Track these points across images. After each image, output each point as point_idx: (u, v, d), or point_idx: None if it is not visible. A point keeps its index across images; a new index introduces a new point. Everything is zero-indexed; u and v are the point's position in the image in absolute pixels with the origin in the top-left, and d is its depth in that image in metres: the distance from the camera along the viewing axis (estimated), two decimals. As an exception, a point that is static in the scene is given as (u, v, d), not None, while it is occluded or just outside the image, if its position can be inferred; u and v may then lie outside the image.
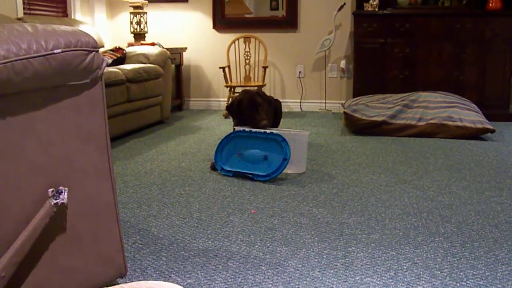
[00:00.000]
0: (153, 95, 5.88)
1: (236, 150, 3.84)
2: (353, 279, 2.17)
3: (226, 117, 6.67)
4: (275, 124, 4.62)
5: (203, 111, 7.29)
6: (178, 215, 2.95)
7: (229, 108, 4.33)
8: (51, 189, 1.75)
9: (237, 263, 2.33)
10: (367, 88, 6.37)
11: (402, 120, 5.35)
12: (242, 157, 3.78)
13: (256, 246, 2.51)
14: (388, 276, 2.20)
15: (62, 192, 1.77)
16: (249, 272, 2.25)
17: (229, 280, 2.17)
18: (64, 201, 1.77)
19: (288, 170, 3.76)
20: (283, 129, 4.31)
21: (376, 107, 5.54)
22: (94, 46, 1.82)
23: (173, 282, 2.15)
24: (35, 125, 1.70)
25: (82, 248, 1.89)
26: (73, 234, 1.85)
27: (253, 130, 3.84)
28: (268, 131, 3.78)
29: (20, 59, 1.58)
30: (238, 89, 6.92)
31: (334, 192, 3.37)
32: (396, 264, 2.31)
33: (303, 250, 2.46)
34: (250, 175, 3.65)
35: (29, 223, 1.73)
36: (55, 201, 1.75)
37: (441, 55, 6.28)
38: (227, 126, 5.93)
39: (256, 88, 4.64)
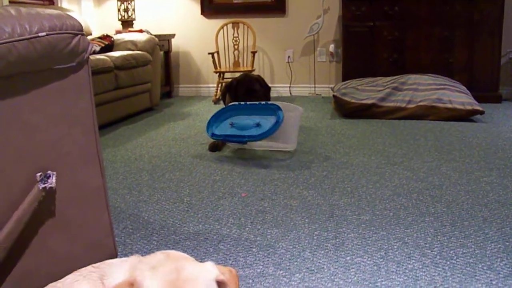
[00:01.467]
0: (141, 82, 5.85)
1: (229, 121, 3.86)
2: (344, 259, 2.18)
3: (215, 102, 6.65)
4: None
5: (192, 98, 7.27)
6: (169, 199, 2.95)
7: (228, 86, 4.39)
8: (39, 174, 1.74)
9: (228, 246, 2.33)
10: (357, 71, 6.37)
11: (392, 103, 5.36)
12: (234, 126, 3.80)
13: (247, 228, 2.51)
14: (379, 256, 2.20)
15: (50, 176, 1.76)
16: (240, 254, 2.25)
17: (220, 262, 2.18)
18: (53, 185, 1.76)
19: (280, 146, 3.77)
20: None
21: (366, 90, 5.54)
22: (79, 29, 1.80)
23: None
24: (21, 111, 1.68)
25: (72, 233, 1.88)
26: (62, 219, 1.84)
27: (248, 102, 3.88)
28: (263, 102, 3.82)
29: (4, 43, 1.56)
30: (227, 75, 6.91)
31: (324, 174, 3.37)
32: (386, 244, 2.31)
33: (294, 231, 2.47)
34: (241, 137, 3.66)
35: (18, 208, 1.72)
36: (43, 185, 1.74)
37: (430, 38, 6.27)
38: (217, 112, 5.92)
39: (257, 75, 4.66)
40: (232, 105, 3.94)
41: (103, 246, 1.98)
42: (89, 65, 1.88)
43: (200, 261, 2.15)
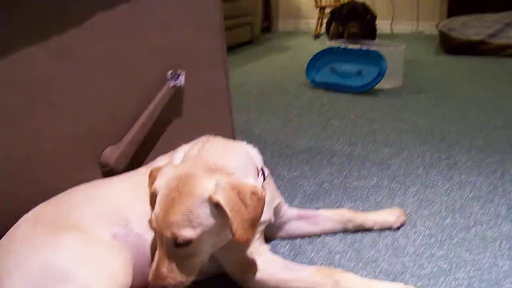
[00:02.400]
0: (243, 14, 5.89)
1: (329, 65, 3.82)
2: (459, 178, 2.18)
3: (316, 37, 6.62)
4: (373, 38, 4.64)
5: (292, 33, 7.25)
6: (278, 119, 3.01)
7: (332, 12, 4.59)
8: (170, 72, 1.83)
9: (341, 160, 2.38)
10: (463, 7, 6.10)
11: (502, 40, 5.12)
12: (335, 72, 3.76)
13: (359, 146, 2.55)
14: (495, 177, 2.18)
15: (180, 74, 1.85)
16: (354, 167, 2.29)
17: (335, 173, 2.23)
18: (182, 83, 1.85)
19: (384, 84, 3.73)
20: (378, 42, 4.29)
21: (474, 26, 5.32)
22: None
23: (278, 175, 2.22)
24: (155, 9, 1.76)
25: (196, 133, 1.97)
26: (188, 118, 1.94)
27: (349, 46, 3.82)
28: (364, 47, 3.74)
29: None
30: (328, 10, 6.81)
31: (432, 103, 3.33)
32: (502, 167, 2.28)
33: (406, 151, 2.47)
34: (342, 87, 3.64)
35: (150, 103, 1.83)
36: (173, 83, 1.83)
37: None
38: (318, 46, 5.88)
39: (362, 1, 4.66)
40: (333, 48, 3.88)
41: (225, 148, 2.06)
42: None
43: (316, 173, 2.22)
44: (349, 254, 1.65)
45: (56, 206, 1.47)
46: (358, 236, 1.74)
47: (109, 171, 1.82)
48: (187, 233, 1.28)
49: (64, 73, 1.69)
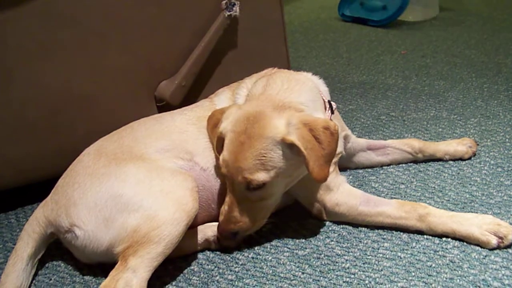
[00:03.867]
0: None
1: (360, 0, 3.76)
2: (520, 109, 2.11)
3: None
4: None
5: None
6: (327, 55, 2.95)
7: None
8: (224, 1, 1.79)
9: (396, 93, 2.33)
10: None
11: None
12: (363, 6, 3.69)
13: (413, 80, 2.48)
14: (558, 107, 2.11)
15: (235, 4, 1.81)
16: (410, 100, 2.24)
17: (391, 106, 2.18)
18: (237, 13, 1.81)
19: (419, 15, 3.60)
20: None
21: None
22: None
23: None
24: None
25: (252, 65, 1.92)
26: (244, 50, 1.91)
27: None
28: None
29: None
30: None
31: (484, 37, 3.20)
32: None
33: (462, 84, 2.40)
34: (368, 21, 3.56)
35: (205, 35, 1.79)
36: (228, 13, 1.80)
37: None
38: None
39: None
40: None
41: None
42: None
43: (371, 106, 2.18)
44: (414, 183, 1.62)
45: (119, 140, 1.46)
46: (422, 166, 1.71)
47: (165, 105, 1.81)
48: (261, 177, 1.26)
49: (115, 5, 1.66)
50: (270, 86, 1.40)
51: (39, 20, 1.55)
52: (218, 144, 1.35)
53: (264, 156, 1.25)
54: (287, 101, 1.34)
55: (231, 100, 1.53)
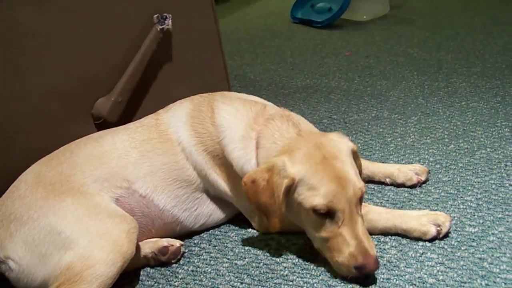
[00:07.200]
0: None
1: (311, 2, 3.81)
2: (459, 104, 2.15)
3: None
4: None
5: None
6: (272, 62, 2.96)
7: None
8: (156, 15, 1.78)
9: (339, 96, 2.34)
10: None
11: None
12: (314, 9, 3.75)
13: (355, 81, 2.51)
14: (495, 101, 2.15)
15: (166, 18, 1.80)
16: (352, 102, 2.26)
17: (333, 109, 2.20)
18: (170, 26, 1.80)
19: (372, 13, 3.66)
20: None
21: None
22: None
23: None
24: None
25: (188, 76, 1.93)
26: (179, 62, 1.89)
27: None
28: None
29: None
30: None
31: (426, 35, 3.26)
32: (502, 91, 2.25)
33: (403, 82, 2.44)
34: (314, 22, 3.63)
35: (138, 50, 1.78)
36: (161, 27, 1.78)
37: None
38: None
39: None
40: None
41: (218, 90, 2.01)
42: None
43: (314, 110, 2.19)
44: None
45: (57, 167, 1.43)
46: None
47: (103, 123, 1.78)
48: (361, 182, 1.31)
49: (46, 23, 1.63)
50: (298, 124, 1.45)
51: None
52: (284, 193, 1.29)
53: (353, 165, 1.33)
54: (315, 130, 1.51)
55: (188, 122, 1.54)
